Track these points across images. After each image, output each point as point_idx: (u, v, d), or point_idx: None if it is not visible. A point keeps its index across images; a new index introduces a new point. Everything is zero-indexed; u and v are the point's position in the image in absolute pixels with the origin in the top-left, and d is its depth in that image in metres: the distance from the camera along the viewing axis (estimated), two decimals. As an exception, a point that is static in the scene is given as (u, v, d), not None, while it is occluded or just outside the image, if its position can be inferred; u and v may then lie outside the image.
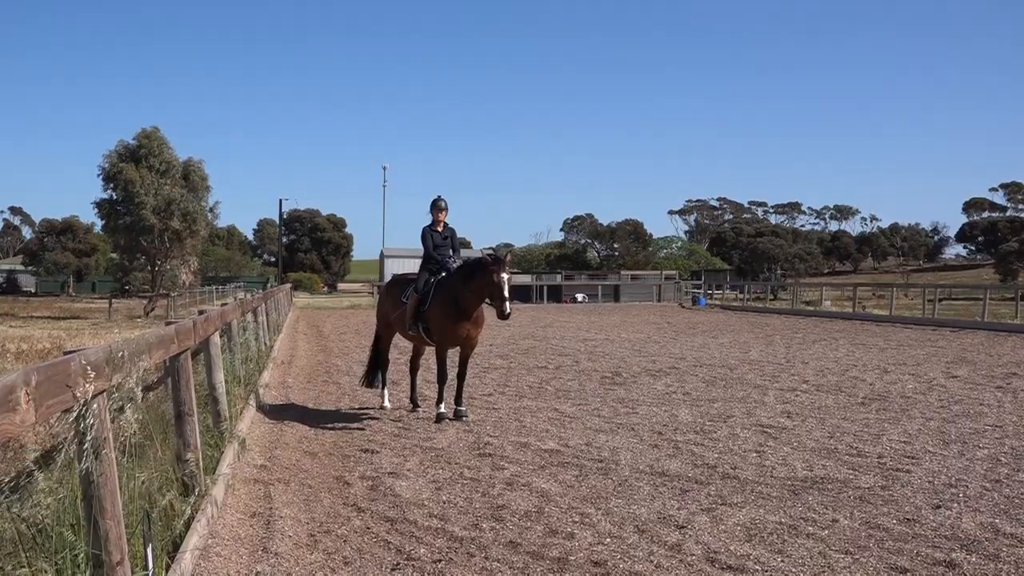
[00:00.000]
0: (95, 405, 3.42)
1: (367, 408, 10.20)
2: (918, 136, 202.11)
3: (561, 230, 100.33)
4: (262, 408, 9.93)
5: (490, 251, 9.91)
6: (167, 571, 4.23)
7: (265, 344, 15.71)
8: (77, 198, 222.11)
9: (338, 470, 7.01)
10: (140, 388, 4.34)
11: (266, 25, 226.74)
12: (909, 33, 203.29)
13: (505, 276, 8.71)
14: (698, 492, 6.22)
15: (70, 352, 3.41)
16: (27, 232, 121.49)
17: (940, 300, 32.60)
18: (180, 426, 5.61)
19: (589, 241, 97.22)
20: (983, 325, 25.15)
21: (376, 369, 10.30)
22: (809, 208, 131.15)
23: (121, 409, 4.23)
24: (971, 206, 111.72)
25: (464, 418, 9.18)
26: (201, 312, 7.46)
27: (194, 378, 6.19)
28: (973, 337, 21.60)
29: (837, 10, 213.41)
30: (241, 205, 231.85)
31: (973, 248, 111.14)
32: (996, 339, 20.89)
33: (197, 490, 5.47)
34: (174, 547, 4.61)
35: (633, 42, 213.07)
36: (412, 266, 14.48)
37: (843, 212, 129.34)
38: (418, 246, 9.80)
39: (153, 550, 4.00)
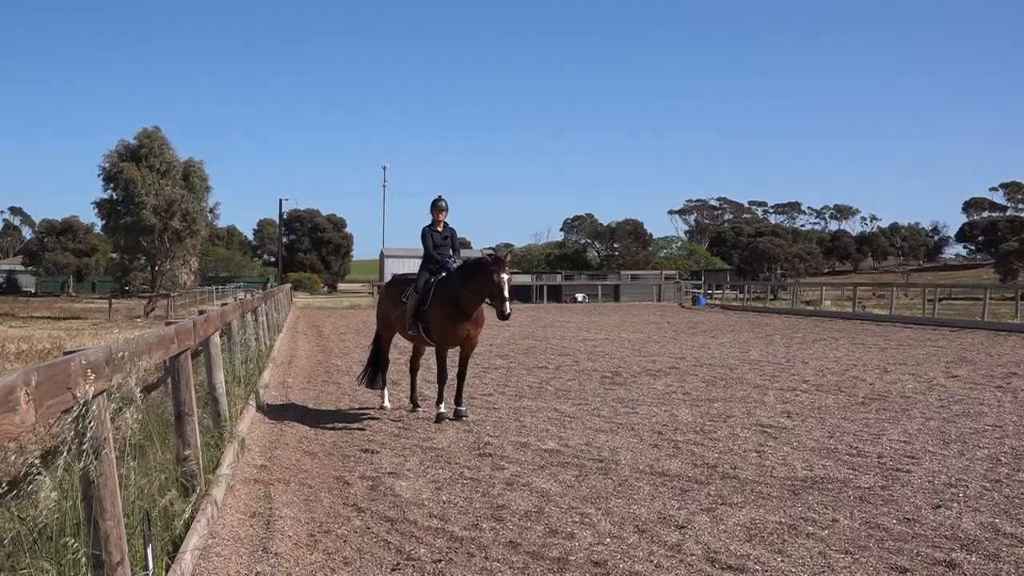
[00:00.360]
0: (95, 405, 3.42)
1: (367, 408, 10.20)
2: (918, 136, 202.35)
3: (561, 230, 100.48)
4: (262, 408, 9.94)
5: (490, 251, 9.91)
6: (167, 571, 4.24)
7: (265, 344, 15.71)
8: (77, 198, 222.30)
9: (338, 470, 7.01)
10: (140, 388, 4.34)
11: (266, 25, 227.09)
12: (909, 33, 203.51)
13: (505, 276, 8.72)
14: (698, 492, 6.23)
15: (70, 352, 3.40)
16: (27, 232, 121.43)
17: (940, 300, 32.60)
18: (180, 426, 5.62)
19: (589, 241, 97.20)
20: (983, 325, 25.14)
21: (376, 369, 10.29)
22: (809, 208, 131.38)
23: (121, 409, 4.23)
24: (971, 206, 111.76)
25: (464, 418, 9.19)
26: (201, 312, 7.46)
27: (194, 378, 6.20)
28: (973, 337, 21.61)
29: (837, 10, 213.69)
30: (241, 205, 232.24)
31: (973, 248, 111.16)
32: (996, 339, 20.89)
33: (197, 490, 5.47)
34: (174, 547, 4.61)
35: (633, 42, 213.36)
36: (412, 266, 14.48)
37: (843, 212, 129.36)
38: (418, 246, 9.81)
39: (153, 550, 4.00)
